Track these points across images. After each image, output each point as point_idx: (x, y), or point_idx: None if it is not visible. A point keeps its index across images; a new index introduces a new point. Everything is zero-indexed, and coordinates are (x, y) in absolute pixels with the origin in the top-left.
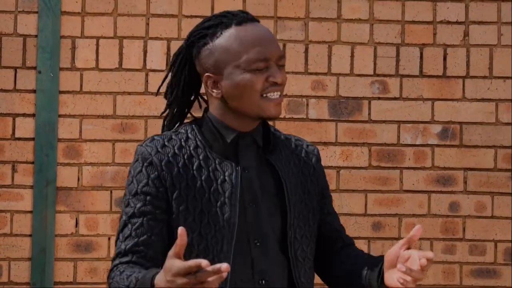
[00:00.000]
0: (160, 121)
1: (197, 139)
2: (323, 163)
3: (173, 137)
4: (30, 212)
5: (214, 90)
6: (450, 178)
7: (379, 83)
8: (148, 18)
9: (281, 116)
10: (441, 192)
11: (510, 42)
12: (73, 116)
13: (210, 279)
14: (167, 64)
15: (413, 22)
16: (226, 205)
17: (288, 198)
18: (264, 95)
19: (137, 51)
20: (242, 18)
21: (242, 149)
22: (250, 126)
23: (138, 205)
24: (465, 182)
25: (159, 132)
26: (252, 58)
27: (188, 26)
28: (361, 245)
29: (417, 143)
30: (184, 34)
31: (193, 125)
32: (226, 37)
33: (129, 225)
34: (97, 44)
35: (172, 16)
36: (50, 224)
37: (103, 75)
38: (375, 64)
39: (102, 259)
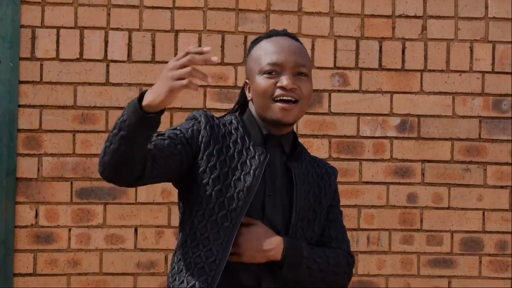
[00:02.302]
0: (121, 112)
1: (239, 125)
2: None
3: (220, 119)
4: None
5: (249, 94)
6: (408, 169)
7: (339, 76)
8: (109, 9)
9: None
10: (399, 183)
11: (467, 36)
12: (33, 106)
13: (196, 57)
14: (128, 55)
15: (373, 16)
16: (250, 175)
17: (295, 200)
18: (275, 99)
19: (98, 41)
20: (273, 32)
21: (268, 147)
22: (276, 130)
23: (171, 133)
24: (422, 174)
25: None
26: (264, 63)
27: (150, 17)
28: None
29: (376, 135)
30: (146, 25)
31: (236, 115)
32: (255, 49)
33: (154, 137)
34: (58, 34)
35: (134, 6)
36: (9, 216)
37: (64, 66)
38: (335, 57)
39: (63, 250)
